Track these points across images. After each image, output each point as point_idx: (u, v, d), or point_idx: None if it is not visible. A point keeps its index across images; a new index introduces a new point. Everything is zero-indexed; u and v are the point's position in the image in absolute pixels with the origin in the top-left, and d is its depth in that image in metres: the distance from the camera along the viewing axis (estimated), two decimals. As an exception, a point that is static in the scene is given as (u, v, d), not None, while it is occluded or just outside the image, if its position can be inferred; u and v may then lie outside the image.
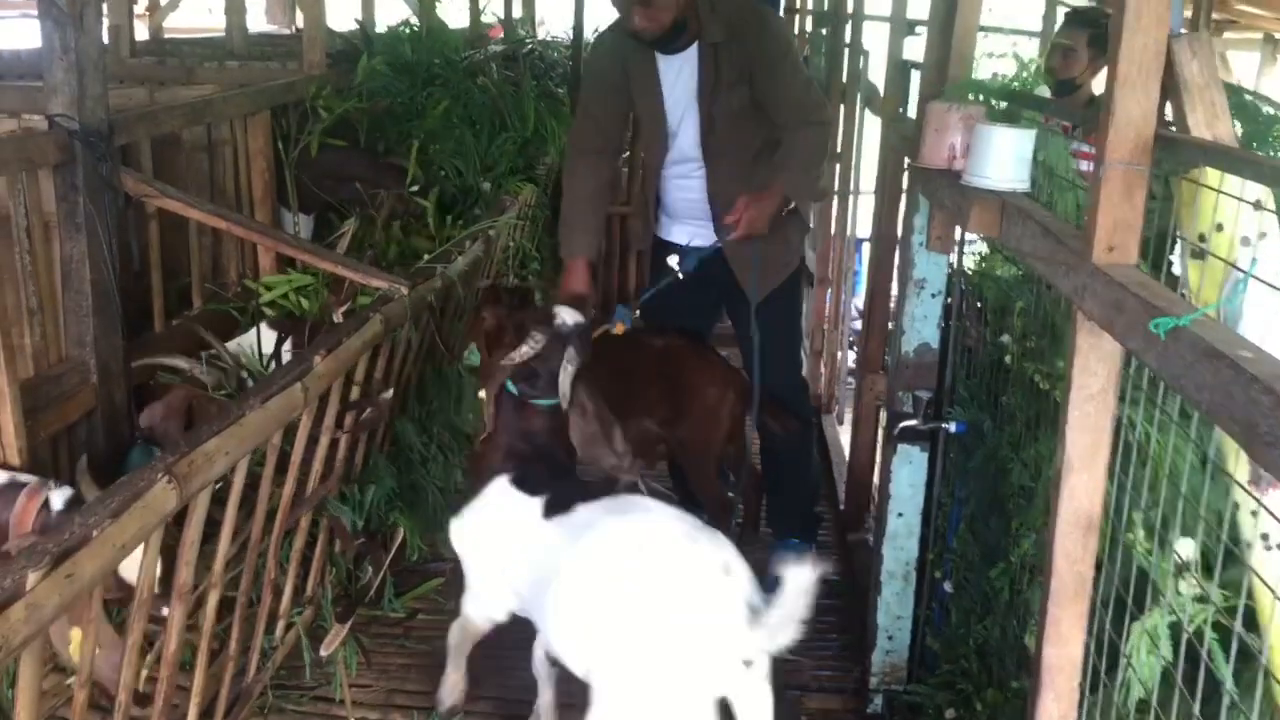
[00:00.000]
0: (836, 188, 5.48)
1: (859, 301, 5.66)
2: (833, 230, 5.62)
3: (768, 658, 2.28)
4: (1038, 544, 2.40)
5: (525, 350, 2.73)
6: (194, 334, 3.76)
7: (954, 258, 3.02)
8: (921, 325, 3.10)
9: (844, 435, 5.49)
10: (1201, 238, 1.75)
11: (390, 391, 3.15)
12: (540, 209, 5.87)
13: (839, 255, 5.56)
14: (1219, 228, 1.73)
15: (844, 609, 3.90)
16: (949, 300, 3.07)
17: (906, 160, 3.25)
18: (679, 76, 3.44)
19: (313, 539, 3.16)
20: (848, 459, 4.60)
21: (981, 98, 2.76)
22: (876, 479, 4.36)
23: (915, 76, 3.69)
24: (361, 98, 4.87)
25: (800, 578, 2.12)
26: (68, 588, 1.65)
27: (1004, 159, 2.40)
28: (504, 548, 2.73)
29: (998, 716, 2.63)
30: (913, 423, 3.08)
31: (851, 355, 5.75)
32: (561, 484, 2.73)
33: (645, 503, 2.60)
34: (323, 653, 3.20)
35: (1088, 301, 1.74)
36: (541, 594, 2.52)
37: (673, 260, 3.47)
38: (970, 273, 3.01)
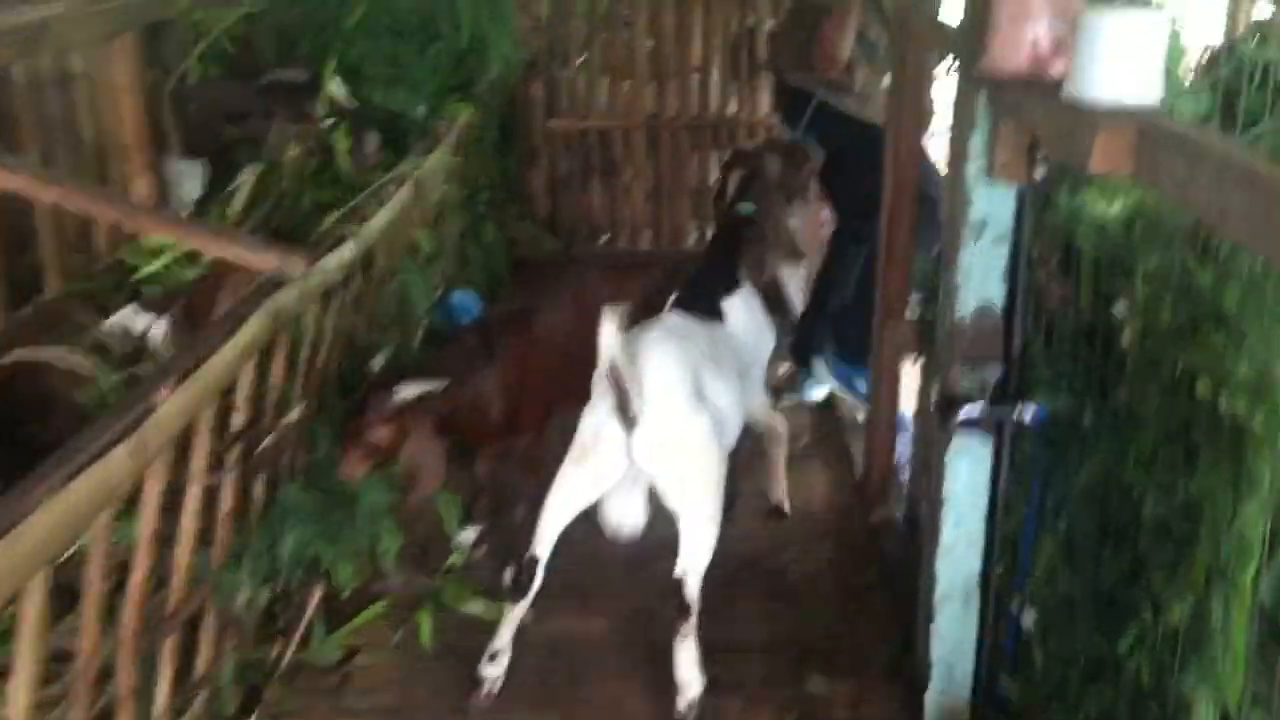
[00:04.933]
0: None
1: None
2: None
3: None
4: (1196, 615, 1.69)
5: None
6: (48, 326, 2.95)
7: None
8: (982, 280, 2.38)
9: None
10: None
11: (296, 411, 2.35)
12: (487, 130, 5.01)
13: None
14: None
15: (882, 612, 3.20)
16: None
17: (954, 63, 2.47)
18: None
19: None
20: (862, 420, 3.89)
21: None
22: (899, 449, 3.69)
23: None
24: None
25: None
26: None
27: (1134, 60, 1.66)
28: None
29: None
30: (975, 411, 2.36)
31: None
32: None
33: None
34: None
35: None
36: None
37: None
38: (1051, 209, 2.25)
